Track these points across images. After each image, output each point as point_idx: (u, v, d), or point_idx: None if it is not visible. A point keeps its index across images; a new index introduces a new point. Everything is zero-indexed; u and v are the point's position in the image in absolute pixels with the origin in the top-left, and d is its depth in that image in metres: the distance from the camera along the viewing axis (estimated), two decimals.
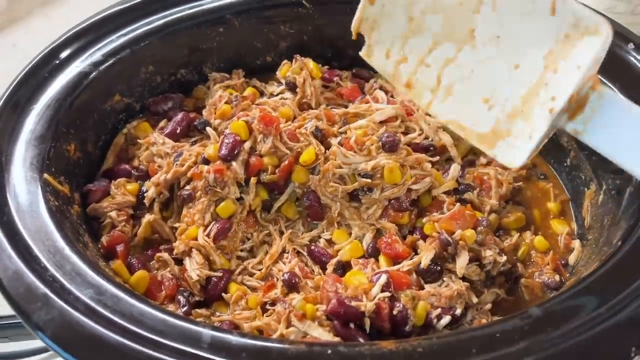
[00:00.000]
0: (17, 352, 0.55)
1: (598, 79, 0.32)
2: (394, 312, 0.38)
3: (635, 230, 0.36)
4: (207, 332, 0.31)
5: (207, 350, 0.30)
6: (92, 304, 0.32)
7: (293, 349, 0.31)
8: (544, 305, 0.32)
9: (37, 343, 0.55)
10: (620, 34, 0.46)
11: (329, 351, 0.31)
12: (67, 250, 0.35)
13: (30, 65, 0.44)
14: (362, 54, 0.39)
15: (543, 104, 0.33)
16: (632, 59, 0.45)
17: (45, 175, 0.40)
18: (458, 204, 0.44)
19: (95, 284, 0.34)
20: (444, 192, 0.46)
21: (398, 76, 0.38)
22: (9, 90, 0.42)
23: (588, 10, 0.31)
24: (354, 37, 0.38)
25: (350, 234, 0.45)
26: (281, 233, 0.46)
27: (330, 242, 0.45)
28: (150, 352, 0.30)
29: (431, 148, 0.48)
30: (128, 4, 0.50)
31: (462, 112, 0.36)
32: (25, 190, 0.38)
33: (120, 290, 0.34)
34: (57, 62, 0.45)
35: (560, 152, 0.50)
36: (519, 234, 0.46)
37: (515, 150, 0.34)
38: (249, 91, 0.52)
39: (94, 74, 0.46)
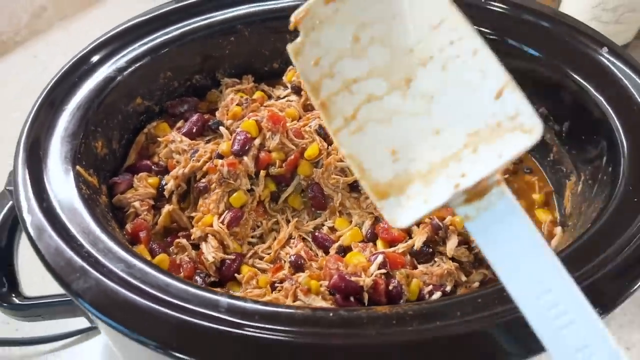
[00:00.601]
0: (44, 337, 0.60)
1: (503, 178, 0.30)
2: (390, 288, 0.43)
3: (604, 213, 0.40)
4: (224, 299, 0.36)
5: (225, 313, 0.35)
6: (124, 275, 0.36)
7: (299, 312, 0.35)
8: None
9: (65, 324, 0.59)
10: (595, 39, 0.51)
11: (331, 314, 0.35)
12: (99, 232, 0.40)
13: (63, 70, 0.49)
14: (289, 47, 0.35)
15: (450, 176, 0.31)
16: (605, 60, 0.49)
17: (78, 167, 0.44)
18: None
19: (125, 260, 0.38)
20: None
21: (318, 89, 0.35)
22: (45, 92, 0.47)
23: (530, 108, 0.29)
24: (291, 26, 0.34)
25: (350, 221, 0.49)
26: (288, 221, 0.50)
27: (332, 229, 0.50)
28: (177, 314, 0.34)
29: None
30: (148, 16, 0.55)
31: (366, 154, 0.34)
32: (61, 180, 0.42)
33: (147, 265, 0.38)
34: (86, 67, 0.50)
35: (544, 148, 0.54)
36: None
37: (405, 211, 0.32)
38: (258, 94, 0.57)
39: (118, 78, 0.51)
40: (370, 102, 0.34)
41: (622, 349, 0.28)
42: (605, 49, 0.50)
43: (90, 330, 0.60)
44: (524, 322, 0.33)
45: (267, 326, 0.34)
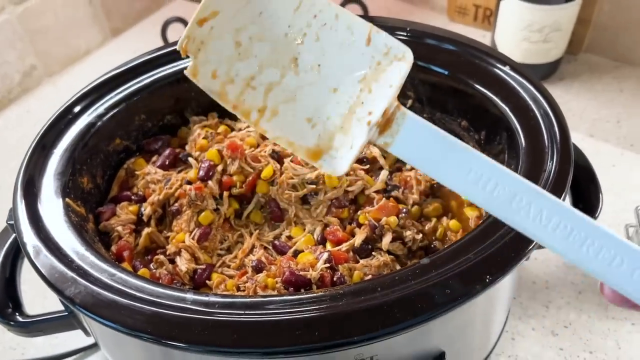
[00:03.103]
0: (47, 357, 0.67)
1: (400, 103, 0.37)
2: (334, 279, 0.51)
3: None
4: (189, 296, 0.43)
5: (190, 304, 0.42)
6: (107, 281, 0.44)
7: (251, 300, 0.43)
8: (431, 257, 0.45)
9: (65, 345, 0.67)
10: (499, 58, 0.60)
11: (277, 298, 0.43)
12: (85, 250, 0.48)
13: (50, 120, 0.57)
14: (186, 72, 0.39)
15: (361, 119, 0.37)
16: (506, 77, 0.58)
17: (67, 200, 0.52)
18: (384, 198, 0.57)
19: (108, 270, 0.46)
20: (375, 192, 0.59)
21: (225, 96, 0.39)
22: (37, 139, 0.55)
23: (396, 40, 0.37)
24: (182, 54, 0.38)
25: (304, 229, 0.58)
26: (251, 234, 0.59)
27: (290, 237, 0.58)
28: (151, 307, 0.42)
29: (364, 160, 0.61)
30: (120, 69, 0.63)
31: (288, 130, 0.39)
32: (53, 210, 0.50)
33: (126, 273, 0.46)
34: (71, 116, 0.58)
35: None
36: (437, 219, 0.58)
37: (338, 160, 0.38)
38: (222, 128, 0.66)
39: (99, 123, 0.60)
40: (273, 89, 0.39)
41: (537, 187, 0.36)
42: (507, 67, 0.58)
43: (89, 348, 0.68)
44: (428, 292, 0.42)
45: (224, 311, 0.42)
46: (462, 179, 0.37)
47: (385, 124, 0.37)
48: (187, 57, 0.39)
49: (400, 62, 0.37)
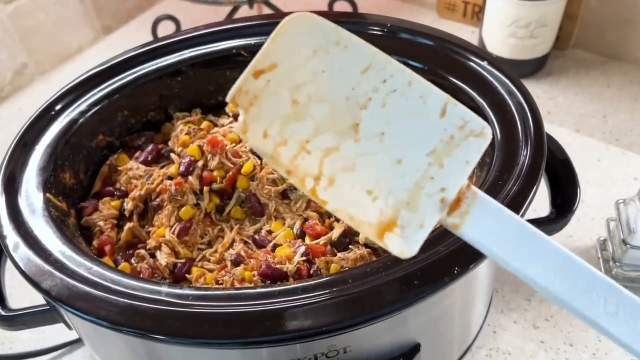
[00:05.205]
0: (34, 351, 0.68)
1: (470, 181, 0.34)
2: (311, 272, 0.51)
3: None
4: (164, 288, 0.44)
5: (165, 296, 0.43)
6: (84, 274, 0.45)
7: (224, 292, 0.43)
8: None
9: (53, 340, 0.68)
10: (478, 54, 0.60)
11: (250, 291, 0.43)
12: (63, 244, 0.48)
13: (33, 117, 0.58)
14: (235, 127, 0.36)
15: (431, 195, 0.33)
16: (484, 72, 0.58)
17: (48, 195, 0.53)
18: None
19: (85, 264, 0.46)
20: None
21: (278, 159, 0.34)
22: (19, 135, 0.56)
23: (474, 115, 0.34)
24: (229, 108, 0.36)
25: (284, 223, 0.58)
26: (232, 228, 0.59)
27: (270, 232, 0.58)
28: (126, 300, 0.43)
29: None
30: (105, 66, 0.64)
31: (348, 202, 0.35)
32: (33, 205, 0.51)
33: (103, 267, 0.46)
34: (53, 113, 0.59)
35: None
36: None
37: (406, 240, 0.34)
38: (205, 124, 0.66)
39: (81, 120, 0.60)
40: (329, 155, 0.35)
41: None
42: (486, 62, 0.59)
43: (75, 343, 0.68)
44: (397, 284, 0.42)
45: (198, 303, 0.42)
46: (536, 270, 0.33)
47: (455, 203, 0.34)
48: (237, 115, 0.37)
49: (477, 137, 0.34)
